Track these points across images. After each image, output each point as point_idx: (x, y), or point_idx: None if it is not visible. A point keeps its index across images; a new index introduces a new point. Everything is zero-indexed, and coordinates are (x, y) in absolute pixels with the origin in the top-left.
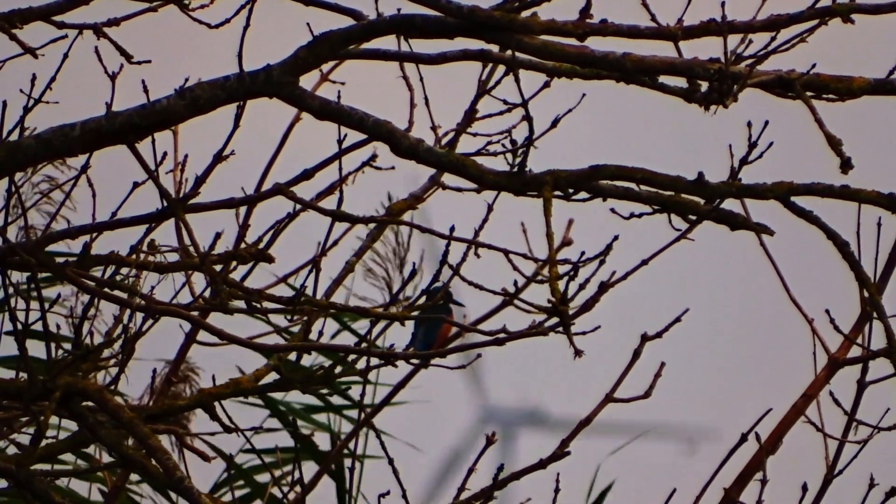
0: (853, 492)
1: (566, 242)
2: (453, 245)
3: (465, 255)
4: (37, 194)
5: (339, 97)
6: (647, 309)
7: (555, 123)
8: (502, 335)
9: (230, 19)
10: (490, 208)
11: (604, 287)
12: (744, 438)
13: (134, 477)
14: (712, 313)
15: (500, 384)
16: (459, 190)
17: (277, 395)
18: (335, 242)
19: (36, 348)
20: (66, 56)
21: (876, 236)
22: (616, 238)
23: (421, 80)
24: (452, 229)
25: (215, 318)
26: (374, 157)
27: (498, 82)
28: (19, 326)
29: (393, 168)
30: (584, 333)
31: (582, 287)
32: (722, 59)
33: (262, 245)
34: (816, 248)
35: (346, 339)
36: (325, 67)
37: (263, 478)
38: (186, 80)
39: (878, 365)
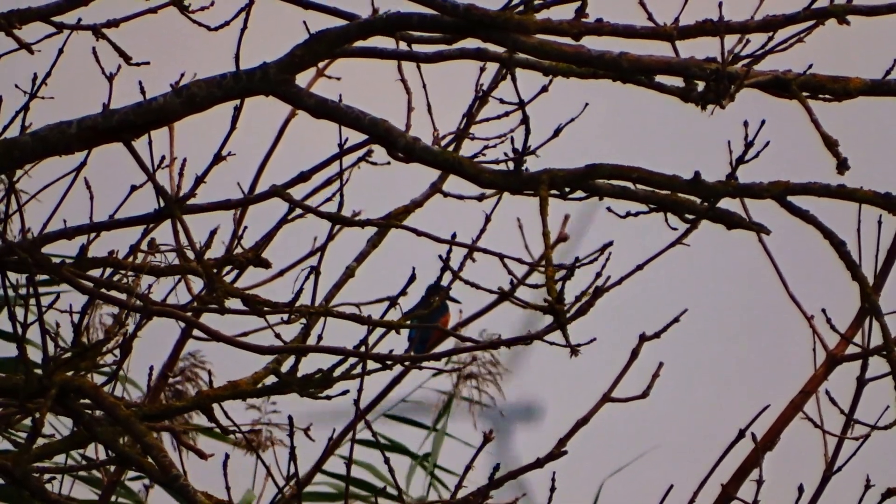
0: (852, 488)
1: (562, 238)
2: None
3: (462, 263)
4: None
5: (340, 99)
6: (645, 308)
7: (557, 133)
8: (498, 340)
9: (230, 22)
10: (488, 218)
11: (599, 292)
12: (741, 435)
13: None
14: (711, 311)
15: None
16: (460, 197)
17: None
18: (331, 238)
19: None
20: (61, 51)
21: (876, 234)
22: (611, 244)
23: (424, 86)
24: (454, 236)
25: (212, 318)
26: (370, 152)
27: (496, 84)
28: (18, 326)
29: (389, 163)
30: (579, 346)
31: (579, 299)
32: (718, 58)
33: (258, 244)
34: (815, 246)
35: (344, 341)
36: (321, 63)
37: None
38: (182, 75)
39: (877, 362)
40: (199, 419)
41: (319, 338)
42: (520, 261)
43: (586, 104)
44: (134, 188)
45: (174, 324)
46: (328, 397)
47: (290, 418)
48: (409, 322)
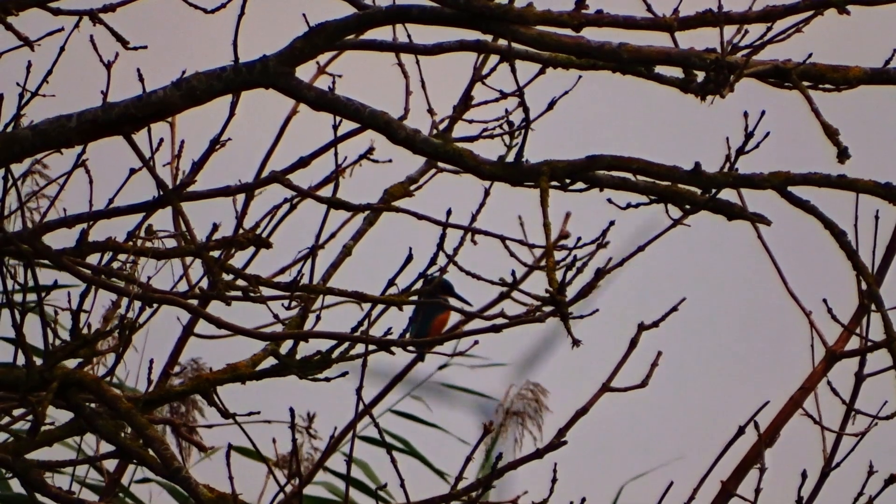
0: (851, 484)
1: (563, 235)
2: (450, 234)
3: (461, 241)
4: (32, 187)
5: (332, 87)
6: (645, 300)
7: (551, 106)
8: (499, 321)
9: (226, 4)
10: (487, 192)
11: (600, 273)
12: (741, 431)
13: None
14: (710, 304)
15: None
16: (456, 172)
17: None
18: (333, 234)
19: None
20: (62, 49)
21: (874, 226)
22: (612, 223)
23: (419, 68)
24: (449, 212)
25: (213, 309)
26: (371, 149)
27: (493, 69)
28: (17, 316)
29: (390, 161)
30: (581, 317)
31: (579, 271)
32: (718, 49)
33: (258, 223)
34: (814, 239)
35: (345, 325)
36: (322, 60)
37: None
38: (184, 72)
39: (875, 356)
40: (210, 418)
41: (318, 318)
42: (521, 242)
43: (579, 76)
44: (133, 171)
45: (176, 323)
46: (327, 379)
47: (291, 411)
48: (411, 298)
